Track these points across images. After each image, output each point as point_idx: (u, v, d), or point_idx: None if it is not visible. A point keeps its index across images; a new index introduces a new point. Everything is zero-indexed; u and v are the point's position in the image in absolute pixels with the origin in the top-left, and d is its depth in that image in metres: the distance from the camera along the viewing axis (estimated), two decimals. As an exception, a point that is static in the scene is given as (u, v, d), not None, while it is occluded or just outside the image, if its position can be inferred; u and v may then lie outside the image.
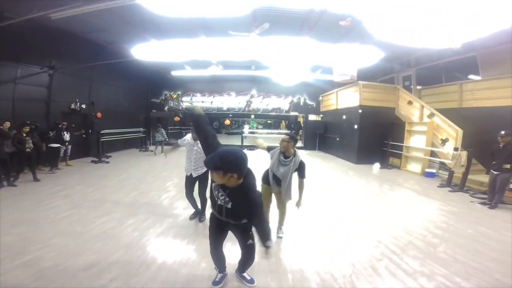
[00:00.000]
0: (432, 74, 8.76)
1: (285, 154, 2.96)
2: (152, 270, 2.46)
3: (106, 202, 4.31)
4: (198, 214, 3.68)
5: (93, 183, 5.45)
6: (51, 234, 3.10)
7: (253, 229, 1.97)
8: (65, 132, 6.76)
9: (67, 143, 6.83)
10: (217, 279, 2.29)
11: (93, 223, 3.45)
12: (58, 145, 6.44)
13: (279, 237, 3.21)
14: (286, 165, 2.93)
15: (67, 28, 7.22)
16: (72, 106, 8.18)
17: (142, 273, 2.41)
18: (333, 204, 4.64)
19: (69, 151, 7.03)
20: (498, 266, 2.69)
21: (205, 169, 3.39)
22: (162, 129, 10.40)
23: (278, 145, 3.04)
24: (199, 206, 3.64)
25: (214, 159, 1.67)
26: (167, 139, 10.61)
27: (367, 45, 6.97)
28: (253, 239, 2.09)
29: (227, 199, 1.84)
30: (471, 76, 7.60)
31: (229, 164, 1.67)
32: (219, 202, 1.90)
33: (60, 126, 6.66)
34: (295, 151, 2.99)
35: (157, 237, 3.15)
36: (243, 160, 1.71)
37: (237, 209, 1.86)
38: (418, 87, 9.40)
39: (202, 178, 3.48)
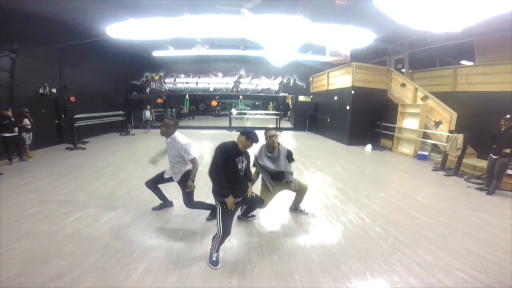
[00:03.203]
0: (425, 57, 8.69)
1: (269, 150, 3.02)
2: (134, 278, 2.08)
3: (80, 194, 3.82)
4: (166, 206, 3.37)
5: (66, 173, 4.89)
6: (15, 235, 2.65)
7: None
8: (26, 120, 6.01)
9: (26, 132, 6.07)
10: (214, 259, 2.33)
11: (64, 220, 2.98)
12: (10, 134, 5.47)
13: (306, 213, 3.40)
14: (277, 157, 3.00)
15: (31, 10, 6.43)
16: (41, 90, 7.42)
17: (123, 281, 2.04)
18: (329, 189, 4.39)
19: (29, 139, 6.22)
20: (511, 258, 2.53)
21: (183, 172, 2.98)
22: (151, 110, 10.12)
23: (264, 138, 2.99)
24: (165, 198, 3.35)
25: (257, 137, 2.44)
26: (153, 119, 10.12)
27: (361, 27, 6.66)
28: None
29: (246, 160, 2.58)
30: (463, 62, 7.62)
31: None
32: (241, 172, 2.52)
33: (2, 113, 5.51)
34: (278, 143, 3.06)
35: (138, 235, 2.74)
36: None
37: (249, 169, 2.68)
38: (410, 70, 9.31)
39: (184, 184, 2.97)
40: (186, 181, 2.84)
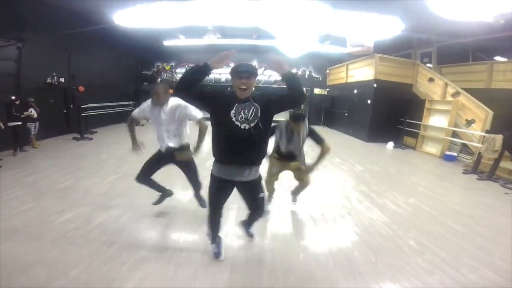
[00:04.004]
0: (456, 52, 8.00)
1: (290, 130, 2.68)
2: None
3: (76, 190, 3.51)
4: (166, 196, 2.94)
5: (67, 165, 4.62)
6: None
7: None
8: (32, 109, 5.79)
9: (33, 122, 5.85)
10: (216, 250, 2.20)
11: (53, 221, 2.66)
12: (16, 123, 5.35)
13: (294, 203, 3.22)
14: (297, 140, 2.70)
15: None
16: (49, 80, 7.21)
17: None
18: (352, 192, 3.92)
19: (35, 129, 5.95)
20: None
21: (183, 141, 2.60)
22: None
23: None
24: (163, 188, 2.91)
25: (250, 67, 1.75)
26: None
27: (389, 15, 6.03)
28: (263, 191, 2.03)
29: (254, 108, 1.73)
30: (497, 58, 7.11)
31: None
32: (243, 125, 1.70)
33: (13, 102, 5.43)
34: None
35: (132, 243, 2.37)
36: None
37: (264, 125, 1.75)
38: (438, 65, 8.62)
39: (185, 162, 2.65)
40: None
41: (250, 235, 2.49)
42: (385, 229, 2.87)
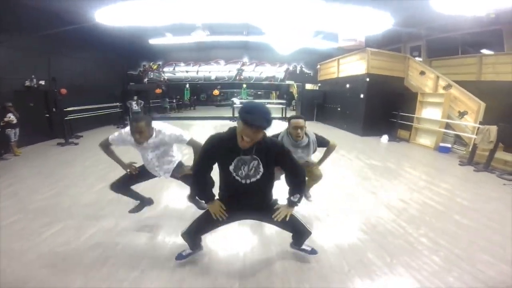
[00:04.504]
0: (445, 45, 8.14)
1: (294, 139, 2.47)
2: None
3: (63, 200, 3.24)
4: (145, 205, 2.75)
5: (51, 173, 4.30)
6: (-22, 255, 2.09)
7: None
8: (11, 115, 5.41)
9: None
10: (184, 253, 2.02)
11: (40, 235, 2.42)
12: None
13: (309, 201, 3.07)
14: (303, 149, 2.52)
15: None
16: (27, 83, 6.83)
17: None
18: (356, 189, 3.81)
19: (15, 136, 5.55)
20: None
21: (175, 165, 2.47)
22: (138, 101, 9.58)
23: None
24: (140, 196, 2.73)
25: (264, 116, 1.42)
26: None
27: (380, 10, 5.99)
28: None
29: (255, 163, 1.61)
30: (484, 51, 7.27)
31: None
32: (243, 180, 1.64)
33: None
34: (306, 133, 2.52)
35: (128, 257, 2.15)
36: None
37: (267, 177, 1.68)
38: (428, 58, 8.76)
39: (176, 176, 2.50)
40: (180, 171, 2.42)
41: (311, 253, 2.14)
42: (394, 227, 2.76)
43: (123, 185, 2.45)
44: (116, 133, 2.28)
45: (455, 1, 4.59)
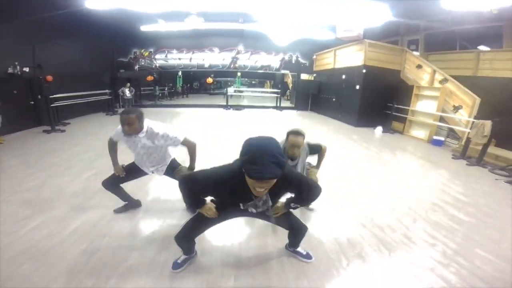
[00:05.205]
0: (443, 40, 8.14)
1: (289, 155, 2.35)
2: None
3: (46, 190, 3.07)
4: (132, 207, 2.65)
5: (35, 162, 4.08)
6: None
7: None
8: None
9: None
10: (179, 261, 1.87)
11: (22, 228, 2.27)
12: None
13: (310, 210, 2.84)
14: (295, 165, 2.42)
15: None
16: (10, 70, 6.51)
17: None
18: (348, 178, 3.76)
19: None
20: None
21: (168, 163, 2.39)
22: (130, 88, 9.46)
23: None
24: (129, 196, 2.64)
25: (271, 161, 1.18)
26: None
27: (379, 2, 5.88)
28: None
29: (268, 204, 1.50)
30: (481, 47, 7.28)
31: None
32: (250, 209, 1.54)
33: None
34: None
35: (117, 251, 2.04)
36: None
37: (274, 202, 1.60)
38: (425, 52, 8.71)
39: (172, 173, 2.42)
40: (173, 169, 2.35)
41: (305, 257, 2.03)
42: (392, 220, 2.72)
43: (112, 183, 2.39)
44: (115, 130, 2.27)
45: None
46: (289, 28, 7.81)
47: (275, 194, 1.49)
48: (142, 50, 12.19)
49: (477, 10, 4.81)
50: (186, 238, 1.75)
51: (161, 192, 3.09)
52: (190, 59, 12.26)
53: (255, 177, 1.18)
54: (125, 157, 2.48)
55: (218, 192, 1.53)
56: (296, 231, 1.91)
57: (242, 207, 1.55)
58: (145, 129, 2.11)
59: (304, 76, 12.43)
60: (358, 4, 6.02)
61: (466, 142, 5.63)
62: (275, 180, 1.25)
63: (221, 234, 2.26)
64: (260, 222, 2.44)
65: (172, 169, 2.38)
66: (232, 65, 12.37)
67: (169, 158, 2.39)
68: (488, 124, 5.17)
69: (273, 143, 1.24)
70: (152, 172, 2.40)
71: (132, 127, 2.02)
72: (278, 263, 1.99)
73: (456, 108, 6.50)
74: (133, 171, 2.39)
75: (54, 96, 7.12)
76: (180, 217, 2.54)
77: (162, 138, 2.14)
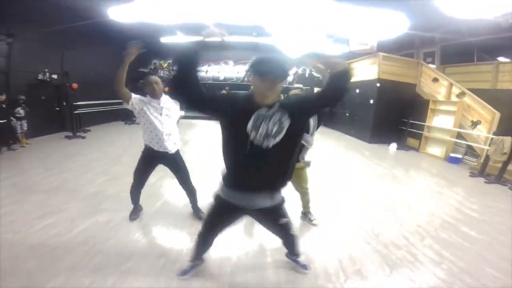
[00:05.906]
0: (460, 52, 7.87)
1: None
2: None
3: (61, 192, 3.23)
4: (139, 212, 2.71)
5: (54, 165, 4.33)
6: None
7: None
8: (19, 109, 5.55)
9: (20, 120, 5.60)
10: (188, 268, 1.86)
11: (33, 226, 2.40)
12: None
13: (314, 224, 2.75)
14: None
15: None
16: (40, 76, 6.95)
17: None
18: (357, 194, 3.68)
19: (22, 128, 5.65)
20: None
21: (179, 145, 2.51)
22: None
23: None
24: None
25: (278, 66, 1.25)
26: None
27: (395, 13, 5.85)
28: (286, 216, 1.67)
29: (279, 115, 1.28)
30: (500, 58, 6.99)
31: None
32: (263, 143, 1.28)
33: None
34: None
35: (119, 252, 2.11)
36: None
37: (292, 140, 1.36)
38: (441, 65, 8.48)
39: (177, 163, 2.51)
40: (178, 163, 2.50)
41: (303, 267, 2.00)
42: (398, 237, 2.63)
43: (139, 185, 2.53)
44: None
45: (466, 4, 4.43)
46: (301, 39, 7.88)
47: (292, 116, 1.29)
48: (161, 61, 12.74)
49: (493, 20, 4.66)
50: (207, 235, 1.75)
51: (169, 199, 3.17)
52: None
53: (263, 72, 1.22)
54: (128, 159, 2.59)
55: (225, 110, 1.34)
56: (288, 240, 1.91)
57: (250, 131, 1.27)
58: (164, 97, 2.43)
59: (317, 90, 12.41)
60: (372, 15, 5.99)
61: (485, 159, 5.37)
62: (280, 88, 1.29)
63: (218, 243, 2.28)
64: (258, 231, 2.44)
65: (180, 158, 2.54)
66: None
67: (179, 143, 2.55)
68: (508, 140, 4.93)
69: (280, 56, 1.35)
70: (167, 148, 2.37)
71: (159, 86, 2.34)
72: (275, 275, 1.98)
73: (474, 124, 6.24)
74: (149, 163, 2.46)
75: (78, 103, 7.54)
76: (185, 225, 2.59)
77: (174, 102, 2.47)
